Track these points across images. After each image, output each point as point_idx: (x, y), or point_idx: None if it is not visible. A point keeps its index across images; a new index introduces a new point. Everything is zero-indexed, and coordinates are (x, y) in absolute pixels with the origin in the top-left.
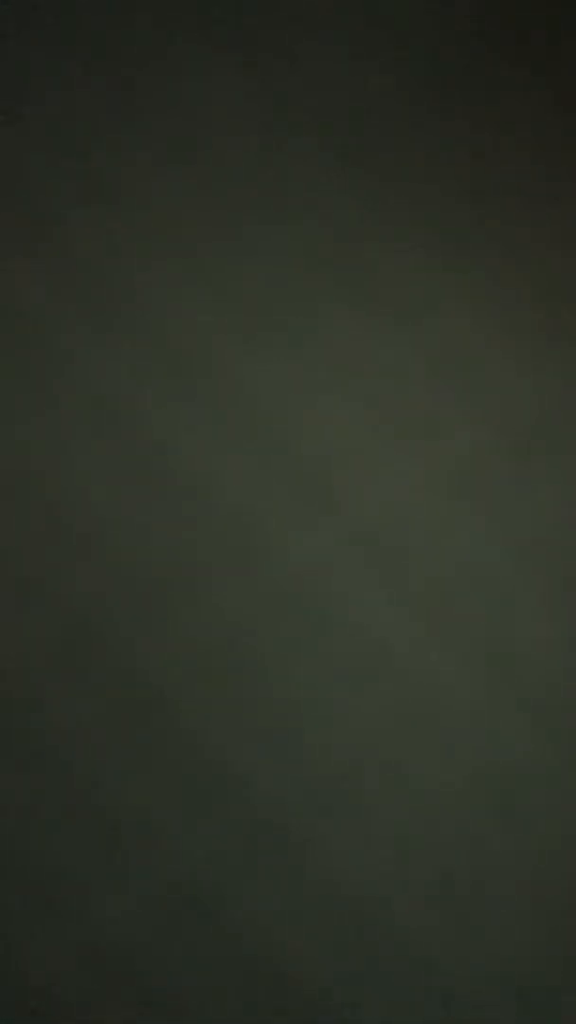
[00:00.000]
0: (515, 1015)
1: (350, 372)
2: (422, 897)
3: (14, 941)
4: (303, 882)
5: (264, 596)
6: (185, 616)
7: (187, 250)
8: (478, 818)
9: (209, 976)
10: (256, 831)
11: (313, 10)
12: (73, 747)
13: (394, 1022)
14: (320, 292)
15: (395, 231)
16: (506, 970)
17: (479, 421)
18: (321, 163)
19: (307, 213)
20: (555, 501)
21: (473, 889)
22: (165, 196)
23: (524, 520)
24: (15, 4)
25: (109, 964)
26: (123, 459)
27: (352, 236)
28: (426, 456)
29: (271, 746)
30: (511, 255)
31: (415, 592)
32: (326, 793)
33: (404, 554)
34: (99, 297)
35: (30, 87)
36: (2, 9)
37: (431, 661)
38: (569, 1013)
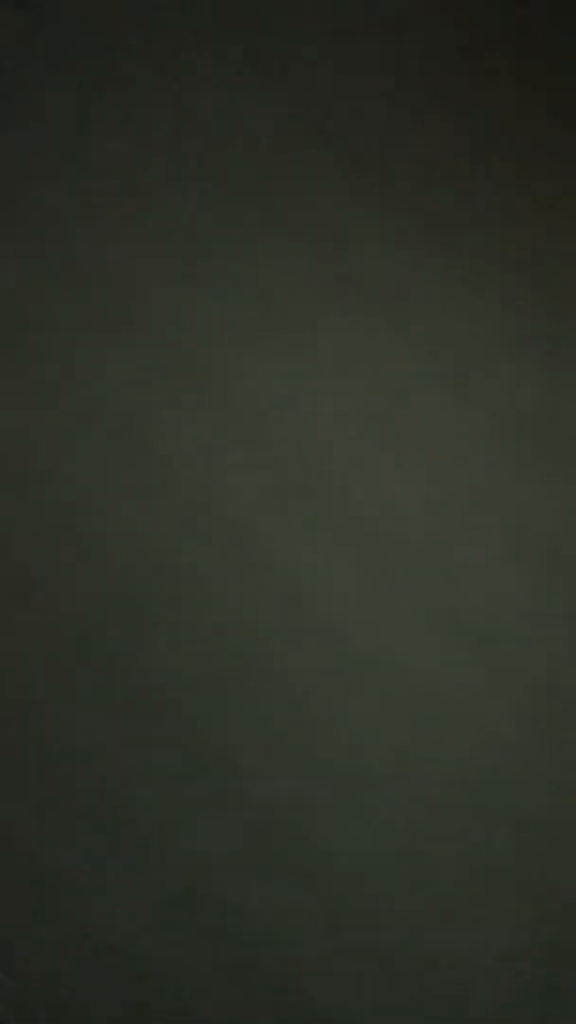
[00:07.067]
0: (515, 1010)
1: (350, 373)
2: (422, 895)
3: (15, 942)
4: (303, 881)
5: (264, 595)
6: (186, 616)
7: (188, 252)
8: (478, 816)
9: (209, 976)
10: (256, 831)
11: (314, 17)
12: (74, 748)
13: (394, 1020)
14: (320, 294)
15: (395, 233)
16: (506, 966)
17: (478, 421)
18: (321, 166)
19: (307, 216)
20: (553, 499)
21: (474, 887)
22: (166, 199)
23: (523, 518)
24: (19, 8)
25: (109, 964)
26: (124, 459)
27: (352, 239)
28: (426, 455)
29: (271, 746)
30: (510, 257)
31: (414, 591)
32: (326, 793)
33: (404, 553)
34: (100, 299)
35: (34, 90)
36: (6, 14)
37: (430, 659)
38: (569, 1009)
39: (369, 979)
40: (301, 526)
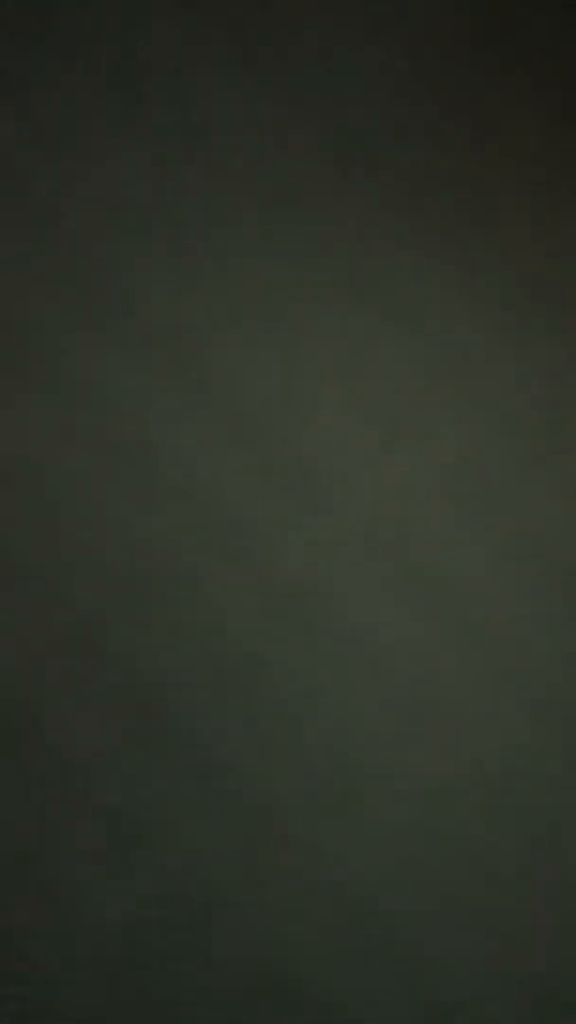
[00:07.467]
0: (516, 1011)
1: (350, 373)
2: (421, 894)
3: (15, 941)
4: (303, 882)
5: (262, 595)
6: (184, 616)
7: (188, 251)
8: (478, 816)
9: (209, 976)
10: (257, 831)
11: (317, 17)
12: (73, 748)
13: (394, 1019)
14: (320, 294)
15: (395, 234)
16: (507, 964)
17: (478, 422)
18: (322, 166)
19: (308, 216)
20: (552, 500)
21: (473, 887)
22: (166, 198)
23: (522, 518)
24: (19, 4)
25: (109, 964)
26: (122, 460)
27: (352, 239)
28: (425, 455)
29: (271, 746)
30: (510, 258)
31: (413, 591)
32: (326, 793)
33: (402, 553)
34: (99, 297)
35: (32, 88)
36: (5, 9)
37: (429, 659)
38: (572, 1009)
39: (369, 979)
40: (301, 526)
